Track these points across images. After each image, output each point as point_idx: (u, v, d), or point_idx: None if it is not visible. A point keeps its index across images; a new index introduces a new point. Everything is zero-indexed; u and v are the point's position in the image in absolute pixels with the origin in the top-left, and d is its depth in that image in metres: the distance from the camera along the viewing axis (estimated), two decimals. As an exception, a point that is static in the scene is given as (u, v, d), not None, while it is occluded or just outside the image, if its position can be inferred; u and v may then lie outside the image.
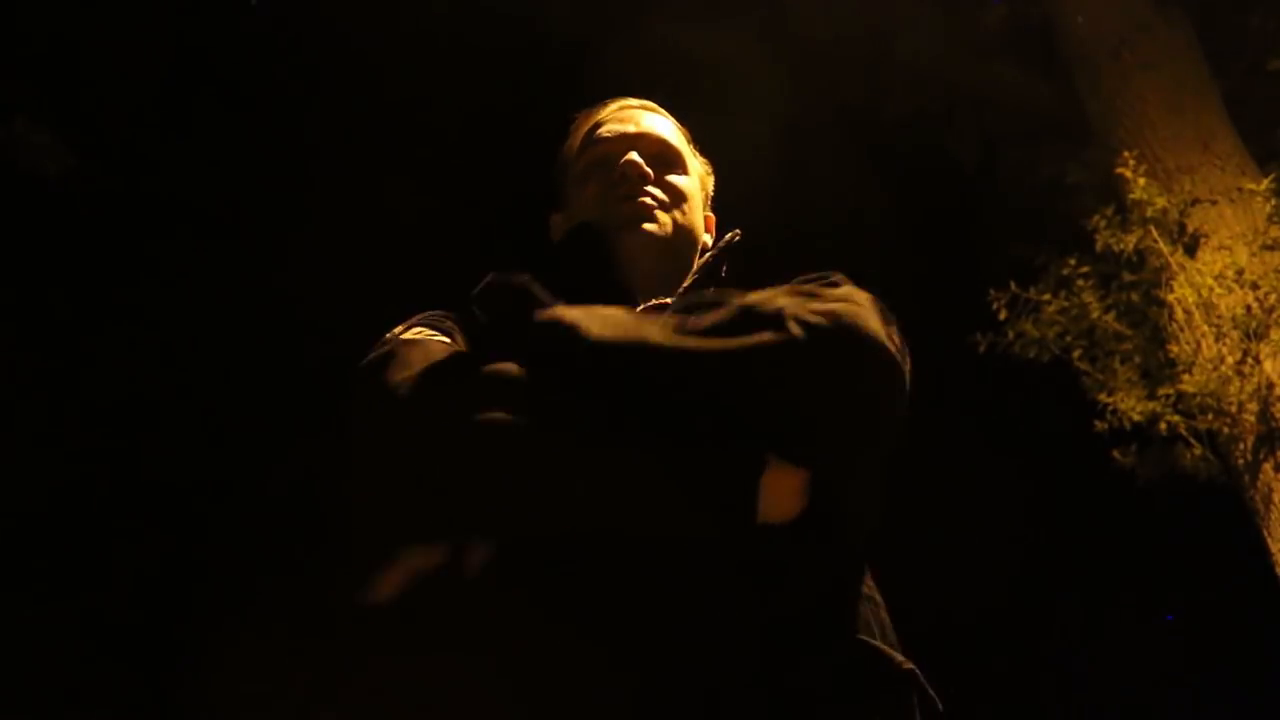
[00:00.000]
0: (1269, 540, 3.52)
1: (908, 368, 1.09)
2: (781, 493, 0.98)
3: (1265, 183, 3.87)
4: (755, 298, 1.06)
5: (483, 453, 0.97)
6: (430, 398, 1.00)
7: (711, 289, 1.23)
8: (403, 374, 1.02)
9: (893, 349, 1.05)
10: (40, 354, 5.41)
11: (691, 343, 0.99)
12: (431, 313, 1.24)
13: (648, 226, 1.28)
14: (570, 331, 1.00)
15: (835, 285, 1.12)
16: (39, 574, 5.43)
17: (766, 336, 0.99)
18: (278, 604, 5.00)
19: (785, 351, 0.98)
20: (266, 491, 5.31)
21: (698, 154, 1.45)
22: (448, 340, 1.12)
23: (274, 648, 5.12)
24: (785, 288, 1.13)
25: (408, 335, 1.12)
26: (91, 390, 5.52)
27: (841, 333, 1.01)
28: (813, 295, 1.06)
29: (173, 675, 5.60)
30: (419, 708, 1.01)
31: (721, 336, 1.00)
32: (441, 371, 1.03)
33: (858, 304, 1.05)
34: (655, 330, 1.00)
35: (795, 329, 0.99)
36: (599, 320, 1.02)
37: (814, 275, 1.34)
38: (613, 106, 1.41)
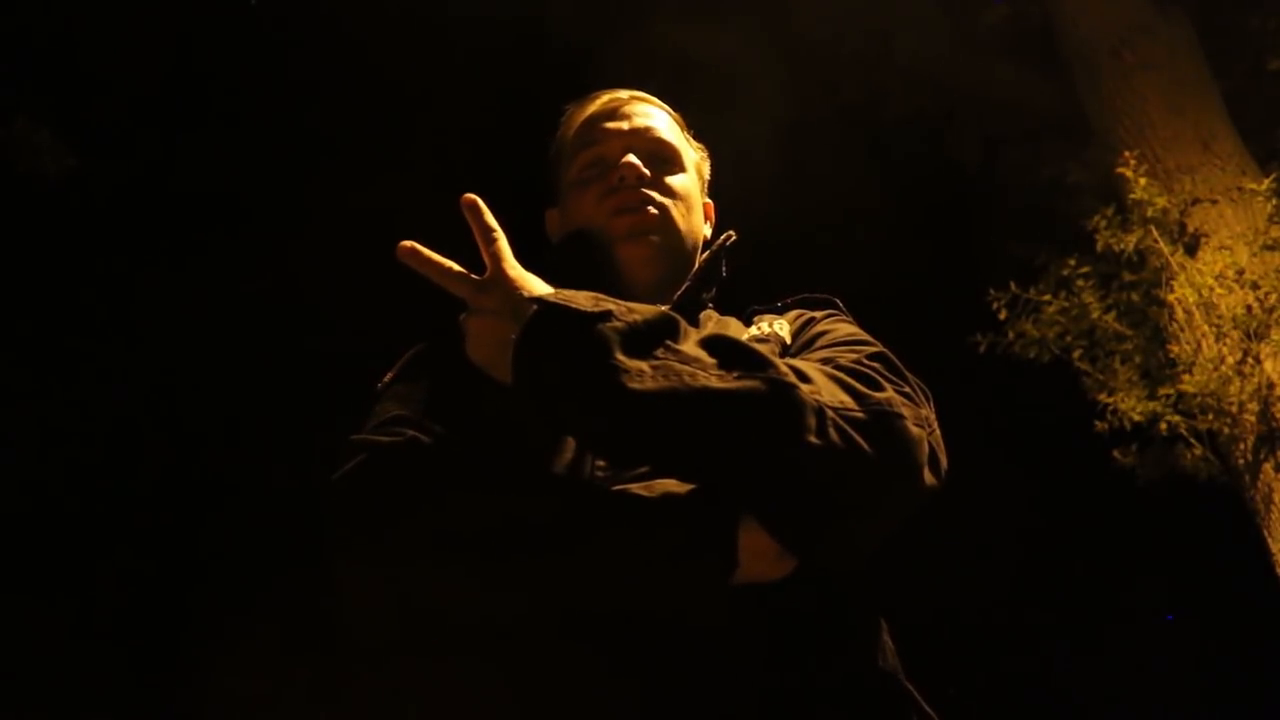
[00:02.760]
0: (1269, 540, 3.52)
1: (940, 470, 1.07)
2: (769, 559, 0.97)
3: (1266, 183, 3.86)
4: (795, 368, 1.01)
5: (461, 571, 0.97)
6: (404, 528, 0.99)
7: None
8: (374, 512, 1.01)
9: (929, 486, 1.03)
10: (40, 353, 5.41)
11: (723, 405, 0.94)
12: (417, 354, 1.22)
13: (649, 237, 1.28)
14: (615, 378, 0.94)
15: (875, 381, 1.06)
16: (39, 574, 5.43)
17: (813, 440, 0.94)
18: (278, 605, 5.00)
19: (816, 463, 0.94)
20: (267, 492, 5.31)
21: (693, 140, 1.43)
22: (417, 419, 1.10)
23: (274, 648, 5.12)
24: (818, 356, 1.11)
25: (378, 420, 1.11)
26: (91, 390, 5.52)
27: (883, 468, 0.98)
28: (854, 394, 1.01)
29: (173, 675, 5.60)
30: (419, 708, 1.01)
31: (755, 416, 0.94)
32: (414, 490, 1.01)
33: (904, 426, 1.01)
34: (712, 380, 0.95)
35: (835, 436, 0.95)
36: (647, 368, 0.96)
37: (814, 297, 1.33)
38: (605, 98, 1.38)
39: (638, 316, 0.99)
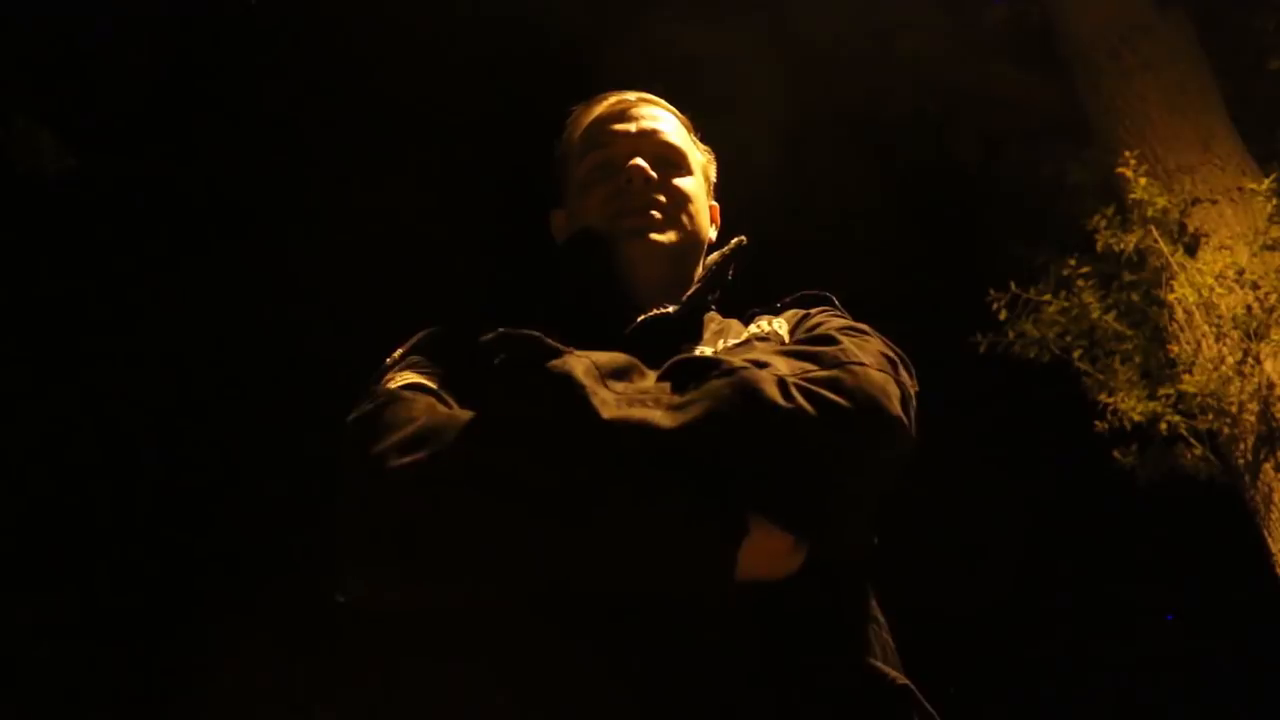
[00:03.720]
0: (1269, 540, 3.52)
1: (913, 416, 1.08)
2: (775, 554, 0.97)
3: (1266, 183, 3.87)
4: (751, 359, 1.03)
5: (467, 527, 0.96)
6: (414, 471, 0.98)
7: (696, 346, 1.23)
8: (387, 442, 1.01)
9: (905, 424, 1.04)
10: (40, 353, 5.41)
11: (694, 421, 0.96)
12: (430, 334, 1.23)
13: (654, 237, 1.28)
14: (583, 405, 0.97)
15: (830, 338, 1.09)
16: (39, 573, 5.43)
17: (773, 417, 0.96)
18: (278, 605, 5.00)
19: (791, 427, 0.96)
20: (266, 492, 5.31)
21: (699, 143, 1.43)
22: (434, 387, 1.10)
23: (274, 647, 5.12)
24: (780, 346, 1.13)
25: (396, 383, 1.11)
26: (92, 389, 5.52)
27: (853, 413, 0.99)
28: (812, 357, 1.04)
29: (173, 675, 5.60)
30: (418, 708, 1.02)
31: (724, 409, 0.96)
32: (425, 439, 1.01)
33: (866, 371, 1.03)
34: (659, 413, 0.97)
35: (800, 398, 0.97)
36: (603, 392, 0.99)
37: (809, 295, 1.34)
38: (611, 100, 1.39)
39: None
